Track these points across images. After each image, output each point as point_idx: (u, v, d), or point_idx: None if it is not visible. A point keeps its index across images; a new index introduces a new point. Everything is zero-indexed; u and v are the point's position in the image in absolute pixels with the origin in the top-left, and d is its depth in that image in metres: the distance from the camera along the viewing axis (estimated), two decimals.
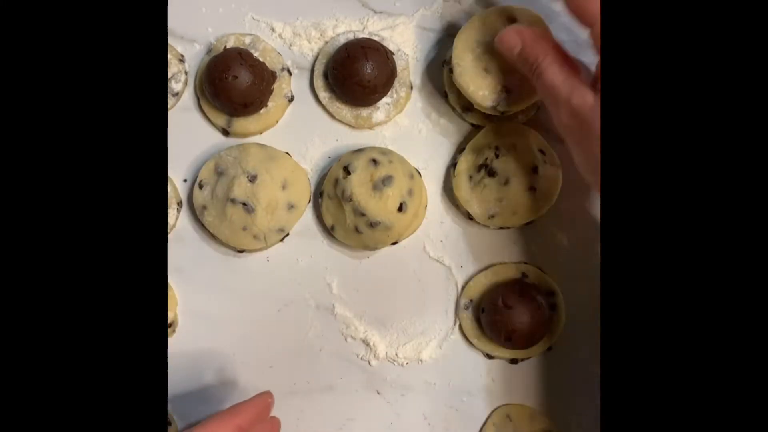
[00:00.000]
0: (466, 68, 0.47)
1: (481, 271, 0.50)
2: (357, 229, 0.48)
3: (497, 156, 0.47)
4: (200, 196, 0.49)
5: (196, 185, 0.49)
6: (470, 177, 0.48)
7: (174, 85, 0.50)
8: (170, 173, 0.50)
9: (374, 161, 0.47)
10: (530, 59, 0.42)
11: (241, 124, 0.50)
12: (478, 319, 0.49)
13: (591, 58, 0.51)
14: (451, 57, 0.47)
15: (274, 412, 0.49)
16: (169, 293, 0.49)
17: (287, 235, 0.50)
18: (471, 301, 0.49)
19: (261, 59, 0.50)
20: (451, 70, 0.48)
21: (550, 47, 0.42)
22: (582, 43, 0.52)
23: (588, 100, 0.39)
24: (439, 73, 0.51)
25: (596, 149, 0.37)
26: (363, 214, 0.47)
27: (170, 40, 0.51)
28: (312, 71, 0.51)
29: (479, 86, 0.46)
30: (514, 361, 0.49)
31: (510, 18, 0.47)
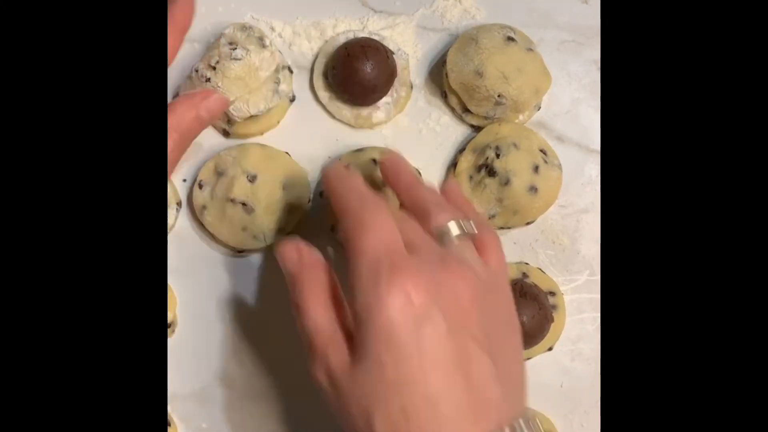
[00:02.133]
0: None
1: None
2: None
3: (497, 156, 0.47)
4: (200, 196, 0.48)
5: (196, 185, 0.49)
6: (470, 177, 0.48)
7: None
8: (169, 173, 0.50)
9: (375, 161, 0.47)
10: (297, 287, 0.38)
11: (241, 125, 0.49)
12: None
13: (591, 58, 0.51)
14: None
15: (273, 413, 0.49)
16: (169, 293, 0.49)
17: (287, 235, 0.50)
18: None
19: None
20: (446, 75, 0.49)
21: (322, 280, 0.37)
22: (583, 43, 0.52)
23: (343, 358, 0.34)
24: (439, 73, 0.51)
25: (351, 419, 0.33)
26: None
27: None
28: (312, 71, 0.51)
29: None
30: None
31: (508, 37, 0.48)
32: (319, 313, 0.36)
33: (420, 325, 0.32)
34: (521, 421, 0.32)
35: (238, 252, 0.50)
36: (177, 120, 0.40)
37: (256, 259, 0.50)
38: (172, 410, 0.49)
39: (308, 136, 0.51)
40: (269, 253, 0.50)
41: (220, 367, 0.49)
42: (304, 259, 0.38)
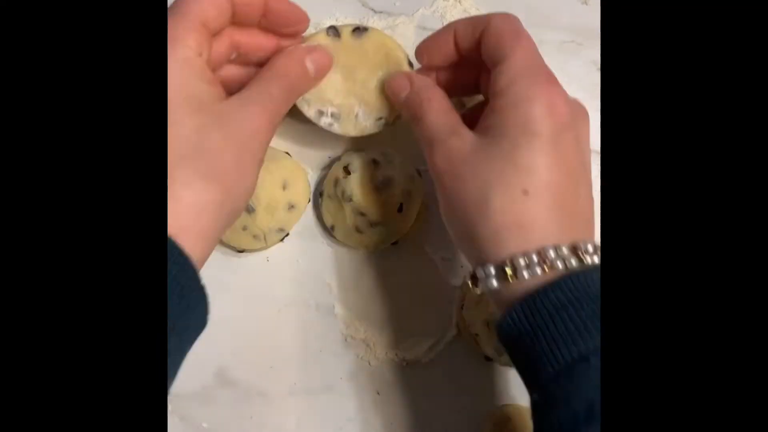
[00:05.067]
0: None
1: None
2: (357, 229, 0.48)
3: None
4: None
5: None
6: None
7: None
8: None
9: (375, 161, 0.47)
10: (414, 104, 0.41)
11: None
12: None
13: (591, 58, 0.51)
14: None
15: (273, 413, 0.49)
16: None
17: (287, 235, 0.50)
18: None
19: None
20: None
21: (437, 93, 0.41)
22: (582, 44, 0.52)
23: (467, 142, 0.38)
24: None
25: (466, 195, 0.37)
26: (363, 215, 0.47)
27: None
28: None
29: None
30: None
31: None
32: (439, 114, 0.39)
33: (561, 130, 0.37)
34: (590, 246, 0.36)
35: (238, 252, 0.50)
36: (283, 68, 0.40)
37: (256, 259, 0.50)
38: (173, 410, 0.49)
39: (308, 136, 0.51)
40: (269, 253, 0.50)
41: (220, 367, 0.49)
42: (415, 83, 0.41)
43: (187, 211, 0.34)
